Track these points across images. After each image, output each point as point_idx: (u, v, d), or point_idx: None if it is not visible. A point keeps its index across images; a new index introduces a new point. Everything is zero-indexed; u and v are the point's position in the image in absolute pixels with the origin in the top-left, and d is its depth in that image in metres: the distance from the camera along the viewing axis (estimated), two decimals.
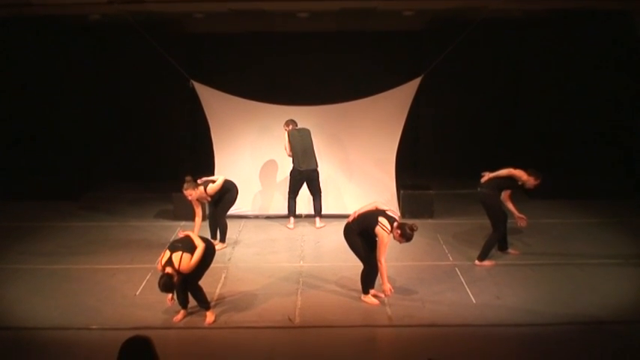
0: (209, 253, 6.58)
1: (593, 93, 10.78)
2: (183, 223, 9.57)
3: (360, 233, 6.91)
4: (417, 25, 11.68)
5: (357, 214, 7.04)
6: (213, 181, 8.54)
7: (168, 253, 6.28)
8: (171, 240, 8.50)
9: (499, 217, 8.07)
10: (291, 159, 9.47)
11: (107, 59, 11.93)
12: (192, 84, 9.72)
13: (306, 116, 9.68)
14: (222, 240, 8.81)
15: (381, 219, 6.70)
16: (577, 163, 10.90)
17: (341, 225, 7.31)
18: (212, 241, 7.34)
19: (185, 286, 6.48)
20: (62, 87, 11.09)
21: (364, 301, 7.03)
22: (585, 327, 6.41)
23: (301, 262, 8.32)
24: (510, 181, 8.01)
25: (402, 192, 9.97)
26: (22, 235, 9.27)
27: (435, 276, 7.76)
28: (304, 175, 9.41)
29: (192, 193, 8.31)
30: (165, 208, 10.29)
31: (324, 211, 9.73)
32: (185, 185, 8.30)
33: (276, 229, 9.62)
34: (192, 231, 7.31)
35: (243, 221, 9.89)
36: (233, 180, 8.85)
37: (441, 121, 12.31)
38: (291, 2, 9.63)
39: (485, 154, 11.38)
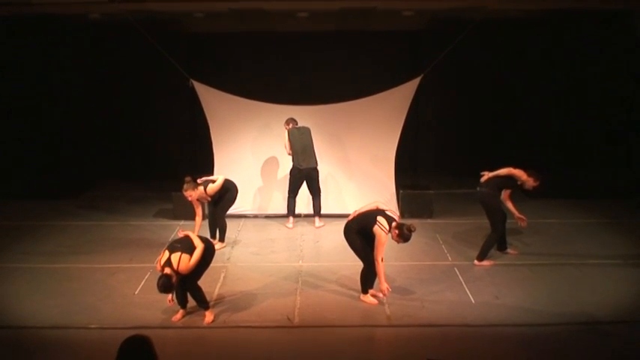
0: (208, 253, 6.58)
1: (592, 93, 10.79)
2: (182, 222, 9.58)
3: (359, 232, 6.92)
4: (417, 25, 11.70)
5: (357, 213, 7.06)
6: (213, 181, 8.54)
7: (167, 253, 6.28)
8: (170, 239, 8.55)
9: (498, 216, 8.07)
10: (290, 158, 9.48)
11: (107, 58, 11.93)
12: (191, 83, 9.72)
13: (305, 116, 9.69)
14: (222, 239, 8.82)
15: (380, 218, 6.72)
16: (576, 163, 10.91)
17: (340, 225, 7.33)
18: (211, 240, 7.34)
19: (184, 285, 6.49)
20: (62, 86, 11.10)
21: (363, 301, 7.04)
22: (583, 327, 6.42)
23: (300, 261, 8.32)
24: (510, 180, 8.01)
25: (401, 192, 9.98)
26: (21, 234, 9.28)
27: (434, 276, 7.77)
28: (304, 173, 9.42)
29: (191, 194, 8.31)
30: (165, 207, 10.30)
31: (323, 211, 9.73)
32: (185, 186, 8.30)
33: (276, 229, 9.63)
34: (192, 230, 7.31)
35: (242, 221, 9.89)
36: (233, 179, 8.86)
37: (441, 121, 12.32)
38: (291, 2, 9.65)
39: (485, 153, 11.38)
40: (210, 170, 9.76)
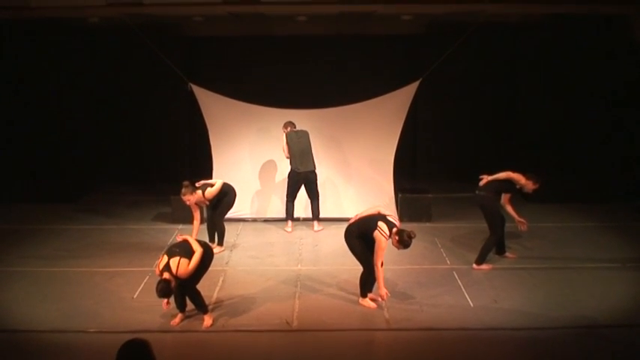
0: (207, 257, 6.58)
1: (590, 96, 10.79)
2: (181, 226, 9.58)
3: (360, 236, 6.92)
4: (416, 29, 11.71)
5: (358, 217, 7.07)
6: (212, 185, 8.55)
7: (165, 258, 6.28)
8: (169, 243, 8.55)
9: (497, 220, 8.07)
10: (289, 161, 9.48)
11: (106, 62, 11.93)
12: (190, 87, 9.73)
13: (304, 119, 9.70)
14: (220, 243, 8.82)
15: (381, 223, 6.72)
16: (575, 167, 10.91)
17: (339, 228, 7.34)
18: (210, 244, 7.34)
19: (183, 290, 6.48)
20: (60, 90, 11.08)
21: (362, 305, 7.04)
22: (582, 331, 6.42)
23: (299, 265, 8.32)
24: (509, 184, 8.01)
25: (400, 195, 9.98)
26: (20, 238, 9.28)
27: (432, 279, 7.77)
28: (302, 176, 9.42)
29: (190, 198, 8.32)
30: (164, 211, 10.30)
31: (322, 215, 9.74)
32: (183, 190, 8.30)
33: (274, 233, 9.62)
34: (191, 234, 7.31)
35: (241, 224, 9.89)
36: (231, 183, 8.86)
37: (439, 125, 12.32)
38: (290, 6, 9.64)
39: (483, 157, 11.39)
40: (209, 174, 9.76)
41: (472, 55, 11.57)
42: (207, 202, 8.62)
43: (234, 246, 9.03)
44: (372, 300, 7.06)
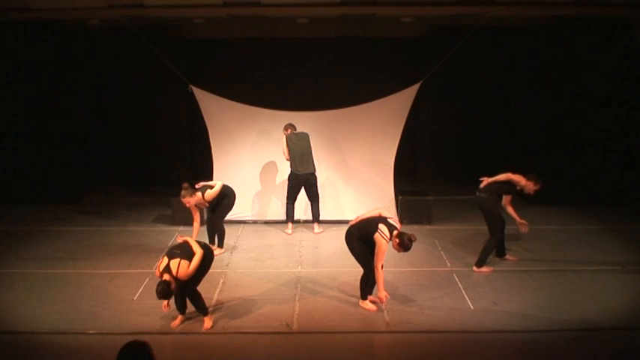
0: (207, 259, 6.58)
1: (591, 99, 10.79)
2: (181, 228, 9.58)
3: (360, 238, 6.92)
4: (416, 32, 11.71)
5: (359, 219, 7.06)
6: (211, 187, 8.54)
7: (166, 259, 6.28)
8: (169, 245, 8.55)
9: (497, 222, 8.06)
10: (289, 163, 9.48)
11: (106, 64, 11.93)
12: (191, 89, 9.73)
13: (305, 121, 9.70)
14: (220, 245, 8.82)
15: (381, 226, 6.71)
16: (575, 170, 10.91)
17: (339, 231, 7.34)
18: (210, 246, 7.34)
19: (183, 291, 6.48)
20: (61, 91, 11.08)
21: (362, 307, 7.04)
22: (582, 333, 6.42)
23: (299, 267, 8.32)
24: (509, 185, 8.01)
25: (400, 198, 9.98)
26: (20, 240, 9.27)
27: (432, 282, 7.77)
28: (302, 179, 9.42)
29: (189, 200, 8.31)
30: (164, 212, 10.29)
31: (322, 217, 9.74)
32: (182, 192, 8.29)
33: (275, 235, 9.62)
34: (191, 236, 7.30)
35: (241, 226, 9.89)
36: (231, 185, 8.86)
37: (440, 127, 12.32)
38: (291, 8, 9.64)
39: (484, 160, 11.38)
40: (209, 176, 9.76)
41: (472, 57, 11.57)
42: (207, 204, 8.62)
43: (234, 248, 9.02)
44: (373, 302, 7.05)
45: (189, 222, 8.72)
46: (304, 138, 9.47)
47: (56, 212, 10.64)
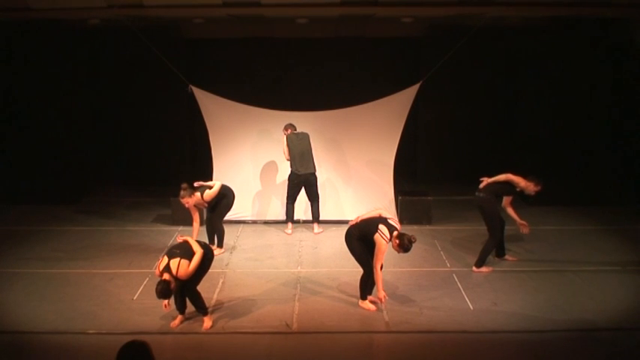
0: (207, 258, 6.58)
1: (591, 100, 10.81)
2: (181, 227, 9.58)
3: (360, 238, 6.91)
4: (416, 32, 11.72)
5: (359, 219, 7.06)
6: (210, 187, 8.54)
7: (166, 259, 6.28)
8: (169, 245, 8.55)
9: (496, 223, 8.06)
10: (289, 163, 9.48)
11: (106, 64, 11.94)
12: (191, 89, 9.73)
13: (304, 122, 9.71)
14: (220, 245, 8.82)
15: (381, 227, 6.71)
16: (575, 170, 10.92)
17: (339, 231, 7.34)
18: (210, 246, 7.34)
19: (183, 291, 6.48)
20: (60, 91, 11.08)
21: (362, 307, 7.04)
22: (582, 334, 6.42)
23: (299, 267, 8.32)
24: (509, 186, 8.00)
25: (400, 198, 9.98)
26: (19, 240, 9.27)
27: (432, 282, 7.77)
28: (302, 179, 9.42)
29: (188, 201, 8.31)
30: (163, 212, 10.29)
31: (322, 217, 9.74)
32: (181, 193, 8.29)
33: (274, 235, 9.62)
34: (191, 236, 7.30)
35: (241, 226, 9.89)
36: (231, 185, 8.86)
37: (440, 127, 12.32)
38: (291, 8, 9.64)
39: (484, 160, 11.39)
40: (209, 176, 9.76)
41: (473, 57, 11.57)
42: (206, 204, 8.61)
43: (234, 248, 9.03)
44: (372, 302, 7.05)
45: (188, 222, 8.72)
46: (304, 138, 9.47)
47: (56, 212, 10.63)
